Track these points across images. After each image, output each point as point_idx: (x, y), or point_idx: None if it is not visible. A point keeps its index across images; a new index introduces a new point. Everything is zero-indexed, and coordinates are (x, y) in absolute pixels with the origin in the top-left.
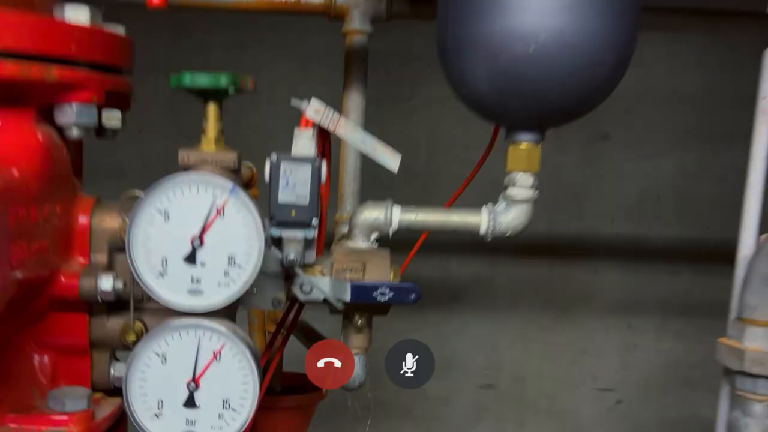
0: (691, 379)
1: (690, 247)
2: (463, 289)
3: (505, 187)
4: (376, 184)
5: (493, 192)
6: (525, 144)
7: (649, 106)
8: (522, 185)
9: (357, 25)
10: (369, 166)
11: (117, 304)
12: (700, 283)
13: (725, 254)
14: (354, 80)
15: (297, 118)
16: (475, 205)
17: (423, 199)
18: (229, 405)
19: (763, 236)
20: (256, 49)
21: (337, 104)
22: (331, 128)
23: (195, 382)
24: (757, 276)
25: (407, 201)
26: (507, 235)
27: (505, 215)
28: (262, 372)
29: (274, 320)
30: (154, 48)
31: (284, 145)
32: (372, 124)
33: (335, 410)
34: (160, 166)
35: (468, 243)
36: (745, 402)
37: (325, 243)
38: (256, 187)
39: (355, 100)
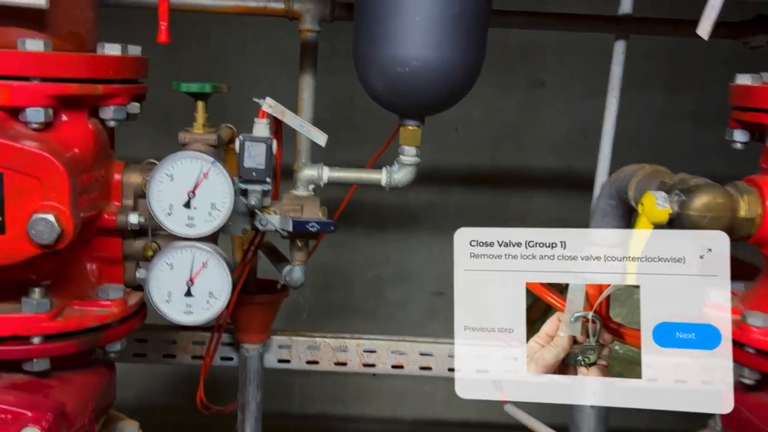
0: None
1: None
2: (420, 214)
3: (399, 155)
4: (347, 125)
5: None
6: (410, 127)
7: (578, 56)
8: (408, 154)
9: (309, 25)
10: (342, 114)
11: (140, 232)
12: None
13: None
14: (307, 66)
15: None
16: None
17: (384, 133)
18: (213, 295)
19: (605, 180)
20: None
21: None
22: (279, 117)
23: (191, 281)
24: (599, 210)
25: (371, 138)
26: (399, 187)
27: (398, 174)
28: (237, 277)
29: (248, 241)
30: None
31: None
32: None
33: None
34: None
35: (423, 176)
36: None
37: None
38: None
39: (307, 80)
